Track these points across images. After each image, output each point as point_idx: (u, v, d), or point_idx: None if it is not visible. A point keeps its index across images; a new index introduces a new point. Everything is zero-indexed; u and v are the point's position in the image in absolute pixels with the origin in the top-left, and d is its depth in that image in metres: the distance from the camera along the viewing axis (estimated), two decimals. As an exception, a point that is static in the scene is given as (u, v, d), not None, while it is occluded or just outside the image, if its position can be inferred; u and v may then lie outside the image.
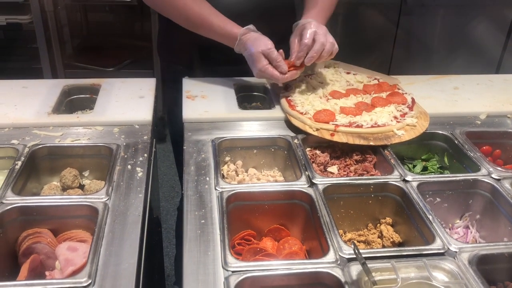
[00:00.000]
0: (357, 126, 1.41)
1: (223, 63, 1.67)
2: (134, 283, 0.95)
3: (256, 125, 1.50)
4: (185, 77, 1.73)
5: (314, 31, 1.48)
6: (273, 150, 1.44)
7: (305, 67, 1.55)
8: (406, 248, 1.06)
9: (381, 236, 1.25)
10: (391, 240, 1.22)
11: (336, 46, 1.51)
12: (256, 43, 1.47)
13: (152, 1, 1.63)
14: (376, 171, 1.37)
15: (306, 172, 1.28)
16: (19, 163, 1.26)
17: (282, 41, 1.53)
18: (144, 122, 1.48)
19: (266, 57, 1.46)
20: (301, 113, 1.47)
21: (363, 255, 0.96)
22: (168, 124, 1.93)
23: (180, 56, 1.78)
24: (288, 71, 1.49)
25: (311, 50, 1.47)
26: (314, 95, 1.57)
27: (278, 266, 1.00)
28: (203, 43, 1.58)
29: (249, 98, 1.73)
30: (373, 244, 1.24)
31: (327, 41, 1.48)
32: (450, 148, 1.48)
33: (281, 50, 1.50)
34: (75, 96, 1.67)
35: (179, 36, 1.60)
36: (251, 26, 1.51)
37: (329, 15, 1.67)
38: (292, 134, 1.45)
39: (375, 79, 1.71)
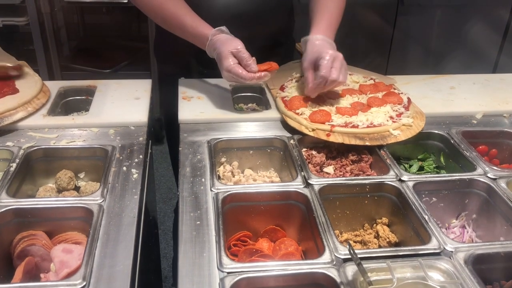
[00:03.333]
0: (353, 126, 1.41)
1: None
2: (129, 285, 0.95)
3: (252, 126, 1.50)
4: (181, 78, 1.73)
5: (332, 63, 1.43)
6: (269, 150, 1.44)
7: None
8: (402, 248, 1.05)
9: (377, 236, 1.25)
10: (387, 240, 1.22)
11: (345, 80, 1.47)
12: (226, 43, 1.43)
13: (134, 1, 1.61)
14: (372, 171, 1.37)
15: (302, 173, 1.27)
16: (14, 165, 1.26)
17: (278, 45, 1.52)
18: (140, 123, 1.47)
19: (235, 57, 1.42)
20: (297, 114, 1.46)
21: (359, 255, 0.96)
22: (165, 126, 1.92)
23: (176, 58, 1.78)
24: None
25: (323, 88, 1.44)
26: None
27: (273, 267, 0.99)
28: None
29: (245, 98, 1.73)
30: (370, 244, 1.24)
31: (339, 78, 1.43)
32: (446, 148, 1.48)
33: (253, 57, 1.43)
34: (70, 98, 1.67)
35: (175, 38, 1.60)
36: (223, 28, 1.48)
37: (337, 28, 1.61)
38: (288, 135, 1.45)
39: (371, 79, 1.70)
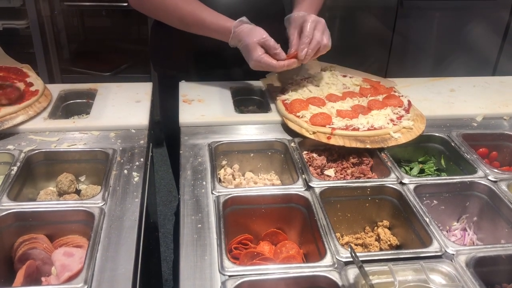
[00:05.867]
0: (354, 129, 1.41)
1: (216, 66, 1.66)
2: (131, 288, 0.95)
3: (252, 128, 1.50)
4: (182, 81, 1.73)
5: (315, 25, 1.50)
6: (269, 153, 1.44)
7: (301, 68, 1.54)
8: (403, 251, 1.05)
9: (378, 239, 1.25)
10: (389, 243, 1.22)
11: (329, 44, 1.53)
12: (251, 33, 1.47)
13: (142, 6, 1.62)
14: (373, 174, 1.37)
15: (303, 176, 1.27)
16: (15, 168, 1.26)
17: None
18: (141, 126, 1.47)
19: (263, 47, 1.47)
20: (298, 117, 1.47)
21: (360, 258, 0.96)
22: (164, 129, 1.92)
23: (173, 61, 1.78)
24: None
25: (308, 47, 1.49)
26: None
27: (275, 270, 0.99)
28: (195, 47, 1.57)
29: (246, 101, 1.73)
30: (371, 247, 1.24)
31: (323, 40, 1.50)
32: (446, 150, 1.48)
33: (279, 44, 1.49)
34: (71, 101, 1.67)
35: (170, 42, 1.60)
36: (244, 18, 1.51)
37: (319, 9, 1.69)
38: (289, 138, 1.45)
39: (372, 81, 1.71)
